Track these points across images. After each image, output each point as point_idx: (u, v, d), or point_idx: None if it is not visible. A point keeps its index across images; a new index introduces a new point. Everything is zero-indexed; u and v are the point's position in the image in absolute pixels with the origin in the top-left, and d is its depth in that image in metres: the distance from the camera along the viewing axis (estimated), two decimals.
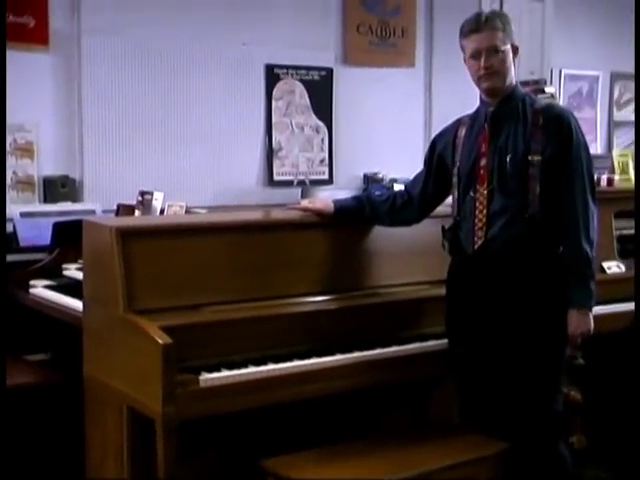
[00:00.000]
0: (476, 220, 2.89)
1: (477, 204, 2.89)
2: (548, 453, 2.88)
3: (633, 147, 7.04)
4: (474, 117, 2.99)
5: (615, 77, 7.51)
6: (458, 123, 3.04)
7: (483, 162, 2.88)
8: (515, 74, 2.92)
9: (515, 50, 2.90)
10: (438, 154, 3.07)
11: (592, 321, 2.84)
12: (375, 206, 3.14)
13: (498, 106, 2.89)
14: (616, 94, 7.58)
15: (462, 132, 2.99)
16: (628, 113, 7.68)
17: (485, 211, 2.87)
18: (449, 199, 3.09)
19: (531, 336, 2.83)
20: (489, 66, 2.83)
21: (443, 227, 3.04)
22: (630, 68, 7.38)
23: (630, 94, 7.63)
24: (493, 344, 2.89)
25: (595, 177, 2.99)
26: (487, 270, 2.88)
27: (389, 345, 2.97)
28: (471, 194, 2.91)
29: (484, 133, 2.91)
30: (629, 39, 7.25)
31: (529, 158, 2.81)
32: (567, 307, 2.82)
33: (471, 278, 2.93)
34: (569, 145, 2.82)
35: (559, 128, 2.83)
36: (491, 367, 2.91)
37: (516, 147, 2.84)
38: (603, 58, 7.32)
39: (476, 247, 2.89)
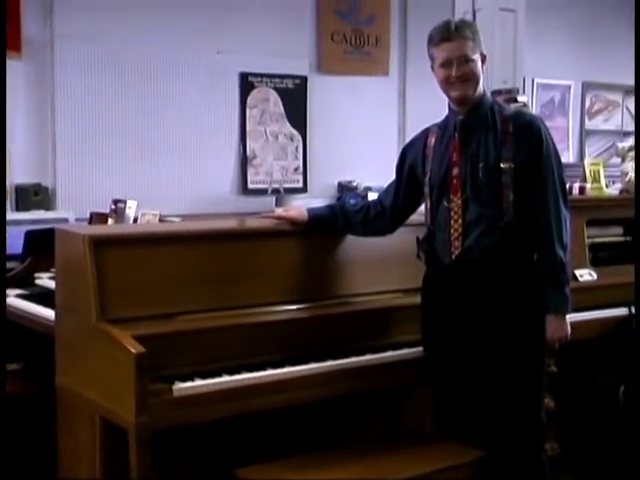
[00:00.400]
0: (452, 230, 2.88)
1: (452, 214, 2.88)
2: (531, 461, 2.89)
3: (604, 156, 7.12)
4: (443, 126, 2.98)
5: (587, 87, 7.59)
6: (427, 132, 3.03)
7: (455, 171, 2.88)
8: (483, 83, 2.94)
9: (483, 59, 2.91)
10: (408, 164, 3.06)
11: (569, 326, 2.86)
12: (349, 216, 3.14)
13: (467, 114, 2.90)
14: (588, 103, 7.66)
15: (432, 141, 2.98)
16: (599, 122, 7.77)
17: (460, 221, 2.87)
18: (421, 207, 3.09)
19: (512, 345, 2.83)
20: (460, 75, 2.84)
21: (418, 238, 3.04)
22: (601, 78, 7.50)
23: (601, 104, 7.72)
24: (472, 353, 2.89)
25: (567, 185, 3.01)
26: (465, 280, 2.88)
27: (363, 353, 2.97)
28: (445, 204, 2.90)
29: (454, 142, 2.90)
30: (601, 50, 7.37)
31: (501, 166, 2.82)
32: (544, 313, 2.84)
33: (449, 288, 2.92)
34: (540, 151, 2.84)
35: (529, 135, 2.84)
36: (470, 376, 2.90)
37: (487, 155, 2.84)
38: (575, 68, 7.40)
39: (453, 257, 2.88)
